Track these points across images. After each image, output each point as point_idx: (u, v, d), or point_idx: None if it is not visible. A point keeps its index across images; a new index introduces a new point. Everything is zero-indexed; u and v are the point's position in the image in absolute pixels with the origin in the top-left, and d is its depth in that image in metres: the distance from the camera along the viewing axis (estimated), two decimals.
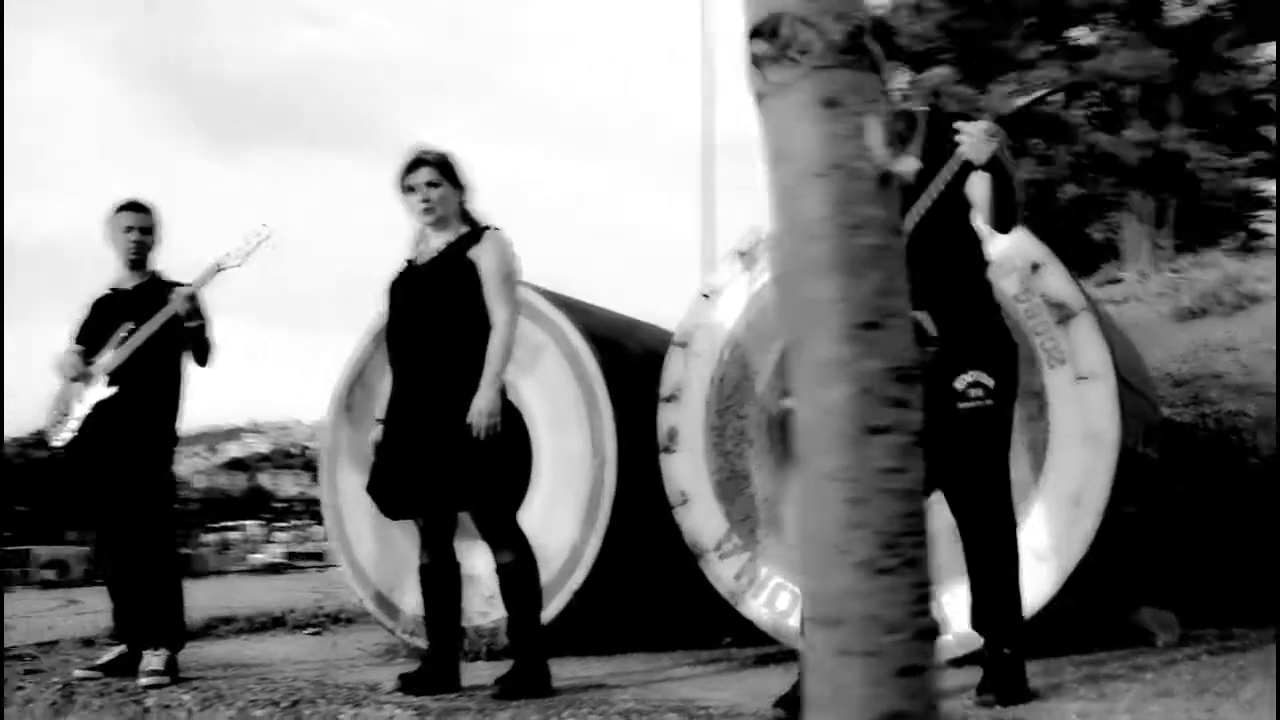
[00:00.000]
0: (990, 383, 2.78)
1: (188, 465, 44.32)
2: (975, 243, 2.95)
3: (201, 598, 8.50)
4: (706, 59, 11.16)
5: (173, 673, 4.01)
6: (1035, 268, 3.53)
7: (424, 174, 3.56)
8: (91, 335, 4.32)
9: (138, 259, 4.33)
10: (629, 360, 4.68)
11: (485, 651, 4.48)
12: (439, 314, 3.51)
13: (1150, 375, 4.92)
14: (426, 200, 3.55)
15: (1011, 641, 2.85)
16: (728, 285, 4.20)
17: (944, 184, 2.73)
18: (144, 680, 3.92)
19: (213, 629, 6.16)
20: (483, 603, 4.62)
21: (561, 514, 4.45)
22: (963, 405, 2.76)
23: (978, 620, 2.89)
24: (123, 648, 4.25)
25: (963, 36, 13.10)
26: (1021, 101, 2.83)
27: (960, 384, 2.77)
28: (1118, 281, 10.54)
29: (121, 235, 4.33)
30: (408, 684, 3.42)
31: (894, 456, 1.25)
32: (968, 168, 2.77)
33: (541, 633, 3.53)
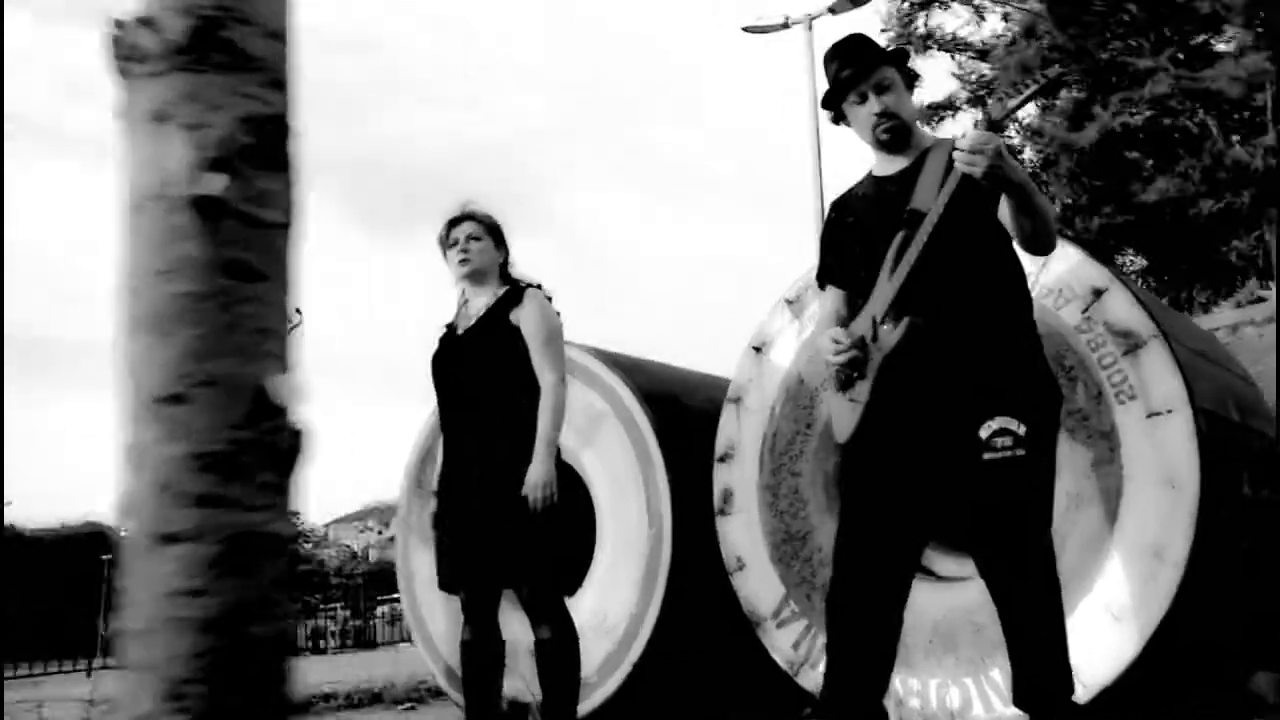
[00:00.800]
0: (1020, 430, 2.47)
1: (360, 539, 45.68)
2: (1010, 275, 2.66)
3: (334, 672, 8.61)
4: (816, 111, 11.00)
5: None
6: (1097, 294, 3.19)
7: (466, 228, 3.49)
8: None
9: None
10: (692, 419, 4.48)
11: None
12: (484, 381, 3.40)
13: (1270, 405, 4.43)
14: (465, 251, 3.46)
15: (1065, 714, 2.52)
16: (778, 335, 3.97)
17: (943, 207, 2.47)
18: None
19: (311, 705, 6.16)
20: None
21: (622, 584, 4.26)
22: (987, 455, 2.46)
23: (1021, 697, 2.56)
24: None
25: (1078, 55, 12.55)
26: (1014, 103, 2.54)
27: (985, 432, 2.47)
28: (1259, 301, 9.76)
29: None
30: None
31: (190, 575, 0.95)
32: (969, 185, 2.50)
33: (575, 714, 3.33)
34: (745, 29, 13.69)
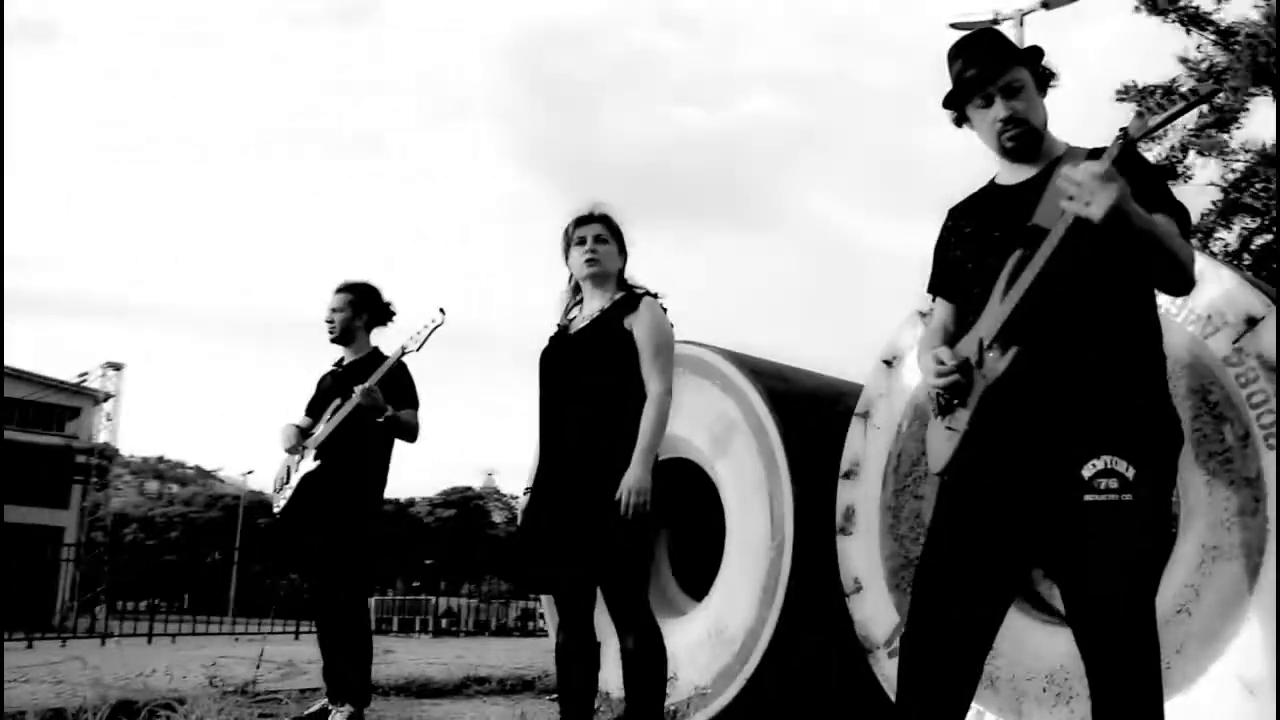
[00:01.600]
0: (1129, 473, 2.22)
1: None
2: (1136, 301, 2.38)
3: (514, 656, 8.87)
4: None
5: None
6: (1252, 323, 2.85)
7: (594, 228, 3.49)
8: (316, 410, 4.63)
9: (336, 337, 4.60)
10: (829, 430, 4.32)
11: None
12: (590, 383, 3.39)
13: None
14: (593, 253, 3.46)
15: None
16: (909, 350, 3.76)
17: (1051, 250, 2.24)
18: None
19: (465, 688, 6.36)
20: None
21: (742, 596, 4.17)
22: (1089, 497, 2.22)
23: None
24: (325, 701, 4.45)
25: None
26: (1155, 121, 2.26)
27: (1089, 471, 2.23)
28: None
29: (329, 313, 4.63)
30: None
31: None
32: (1083, 226, 2.27)
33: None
34: (952, 25, 13.07)
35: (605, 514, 3.16)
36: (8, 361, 33.96)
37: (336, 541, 4.38)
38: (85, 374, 33.48)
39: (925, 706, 2.38)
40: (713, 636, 4.25)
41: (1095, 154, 2.41)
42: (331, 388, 4.61)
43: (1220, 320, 2.89)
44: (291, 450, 4.60)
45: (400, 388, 4.54)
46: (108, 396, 33.23)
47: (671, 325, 3.47)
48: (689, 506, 4.90)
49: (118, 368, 33.24)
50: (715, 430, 4.45)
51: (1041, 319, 2.29)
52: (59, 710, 5.05)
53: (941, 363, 2.38)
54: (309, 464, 4.47)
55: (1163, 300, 2.97)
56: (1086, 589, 2.28)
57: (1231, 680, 2.73)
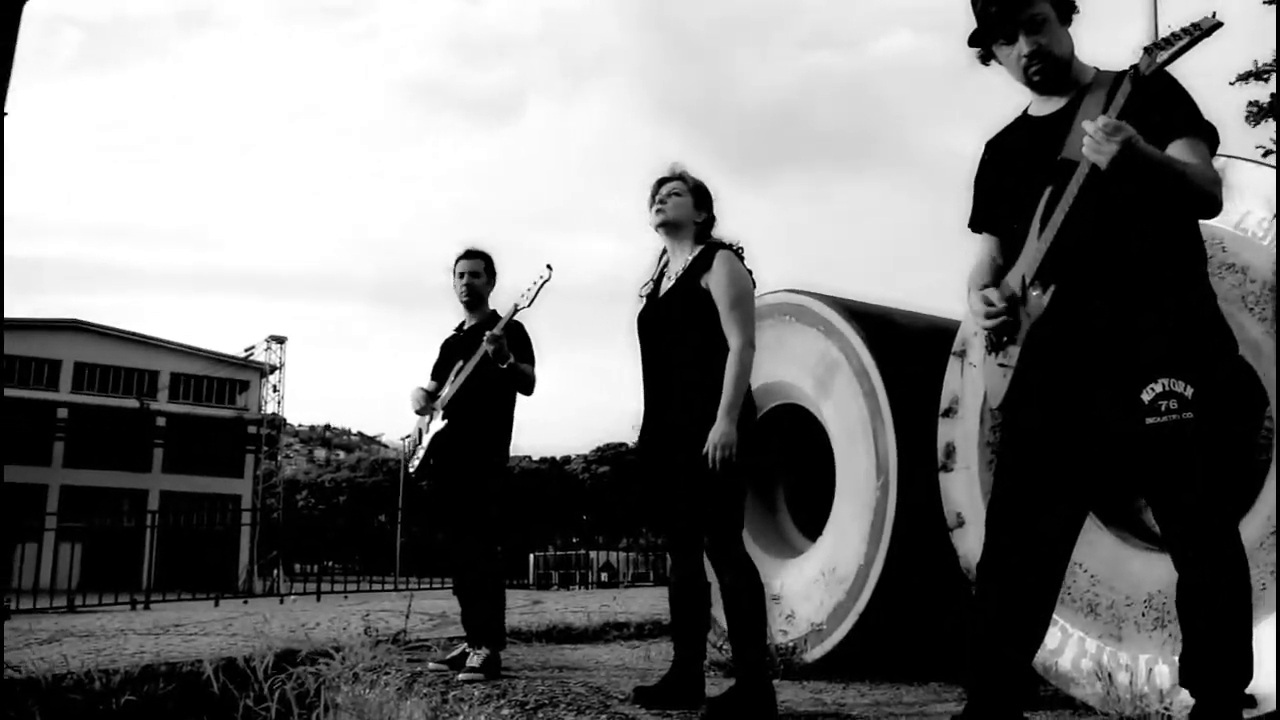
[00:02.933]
0: (1188, 392, 2.26)
1: None
2: (1175, 224, 2.41)
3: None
4: None
5: (490, 671, 4.44)
6: None
7: (671, 186, 3.63)
8: (441, 373, 4.93)
9: (469, 300, 4.85)
10: (931, 370, 4.38)
11: (783, 670, 4.44)
12: (678, 345, 3.55)
13: None
14: (663, 203, 3.60)
15: (1233, 703, 2.31)
16: None
17: (1075, 191, 2.29)
18: (462, 676, 4.39)
19: (604, 634, 6.66)
20: (783, 621, 4.59)
21: (851, 535, 4.29)
22: (1151, 420, 2.28)
23: (1188, 677, 2.37)
24: (464, 646, 4.77)
25: None
26: (1165, 57, 2.26)
27: (1148, 395, 2.29)
28: None
29: (456, 280, 4.90)
30: (643, 697, 3.50)
31: None
32: (1098, 170, 2.31)
33: (764, 657, 3.43)
34: None
35: (698, 469, 3.33)
36: (180, 339, 36.12)
37: (467, 494, 4.68)
38: (251, 348, 35.37)
39: (1002, 632, 2.48)
40: (825, 575, 4.39)
41: (1121, 78, 2.43)
42: (455, 350, 4.88)
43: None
44: (421, 412, 4.92)
45: (519, 343, 4.79)
46: (274, 369, 35.04)
47: (751, 275, 3.58)
48: (809, 450, 5.02)
49: (281, 340, 34.97)
50: (819, 374, 4.56)
51: (1079, 254, 2.35)
52: (231, 659, 5.56)
53: (990, 304, 2.46)
54: (438, 423, 4.77)
55: (1248, 223, 2.96)
56: (1166, 510, 2.34)
57: None
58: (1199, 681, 2.35)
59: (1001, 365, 2.50)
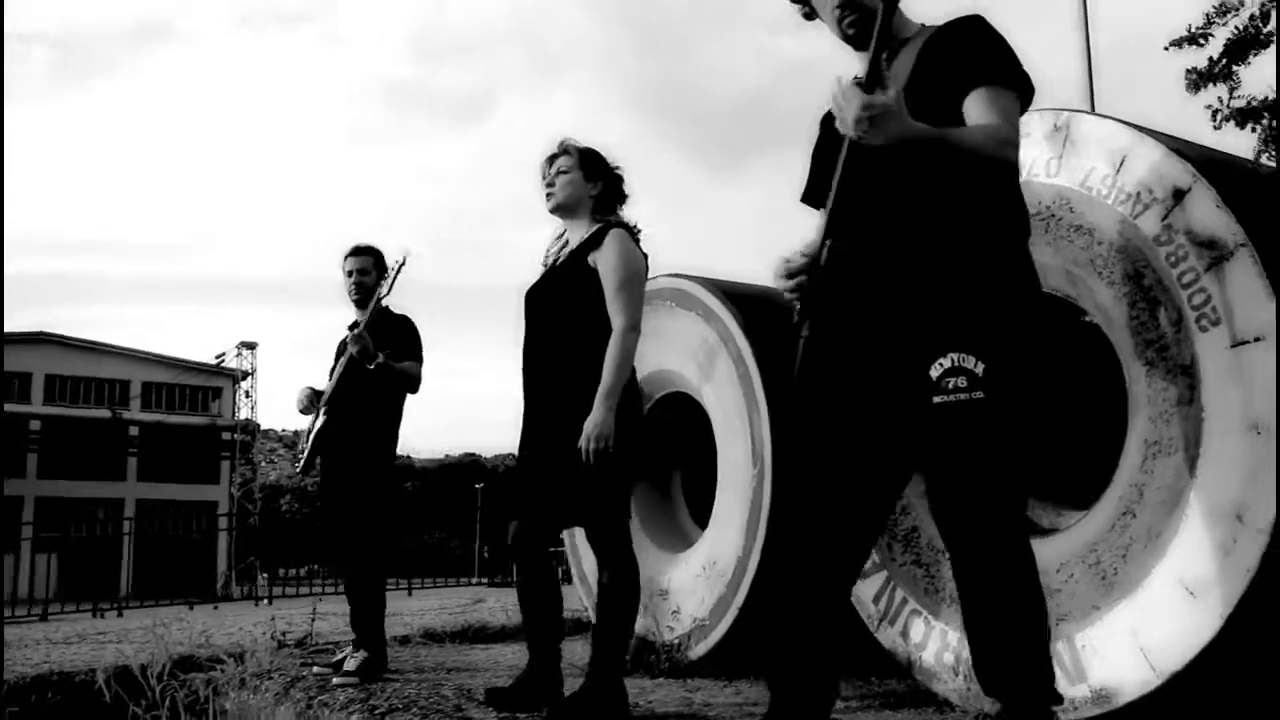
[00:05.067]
0: (979, 369, 2.06)
1: None
2: (981, 189, 2.19)
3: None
4: None
5: (366, 674, 4.24)
6: (1179, 196, 2.60)
7: (559, 162, 3.42)
8: (333, 371, 4.74)
9: (359, 298, 4.65)
10: None
11: (667, 668, 4.25)
12: (559, 324, 3.34)
13: None
14: (551, 185, 3.40)
15: (1042, 702, 2.13)
16: None
17: (841, 164, 2.10)
18: (336, 680, 4.20)
19: (519, 634, 6.45)
20: (670, 617, 4.40)
21: (730, 527, 4.09)
22: (938, 399, 2.07)
23: (991, 685, 2.18)
24: (350, 649, 4.58)
25: None
26: None
27: (935, 371, 2.08)
28: None
29: (345, 278, 4.70)
30: (495, 699, 3.31)
31: None
32: (921, 87, 2.11)
33: (621, 658, 3.24)
34: None
35: (572, 459, 3.12)
36: (151, 348, 35.84)
37: (350, 493, 4.49)
38: (222, 354, 35.05)
39: (809, 620, 2.27)
40: (707, 569, 4.20)
41: (956, 27, 2.23)
42: (342, 348, 4.70)
43: (1149, 197, 2.65)
44: (305, 411, 4.73)
45: (402, 339, 4.60)
46: (245, 375, 34.73)
47: (645, 257, 3.37)
48: (702, 439, 4.82)
49: (252, 346, 34.66)
50: (700, 360, 4.36)
51: (863, 212, 2.15)
52: (126, 667, 5.37)
53: (788, 262, 2.25)
54: (319, 421, 4.58)
55: (1093, 181, 2.77)
56: (948, 496, 2.15)
57: (1174, 584, 2.53)
58: (1002, 691, 2.16)
59: (801, 336, 2.29)
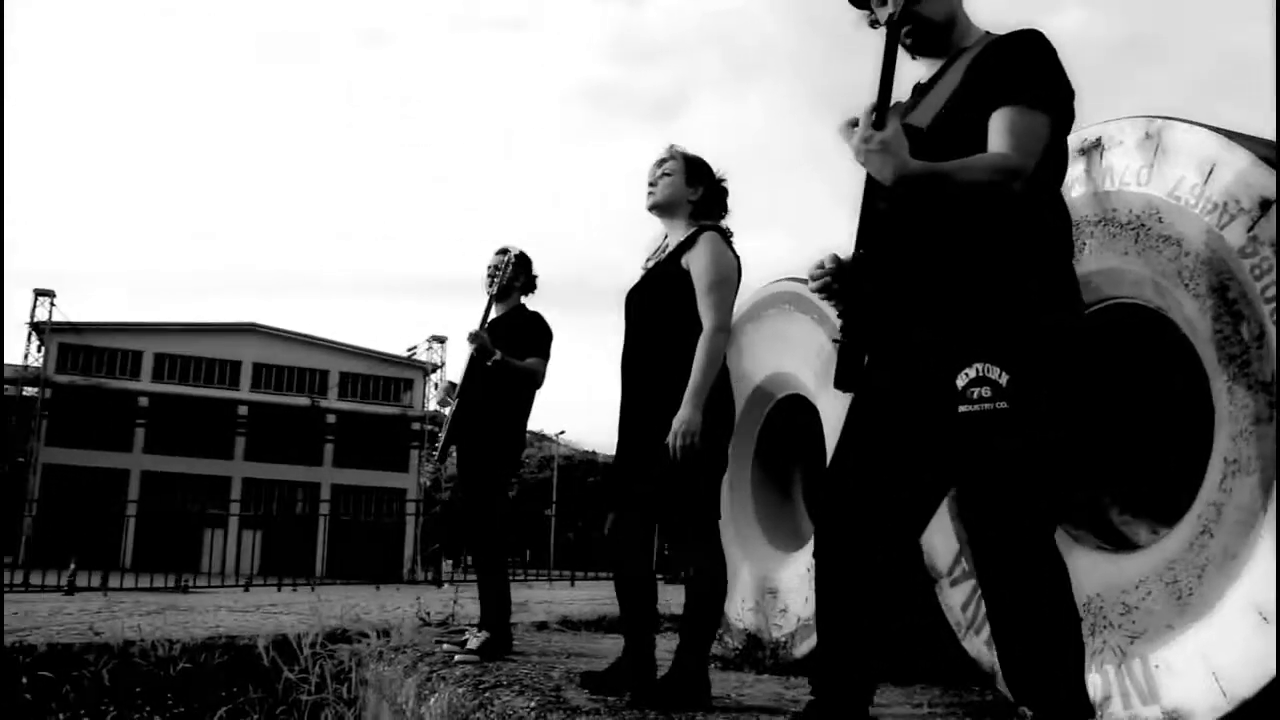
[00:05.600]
0: (1002, 379, 2.07)
1: None
2: (1001, 210, 2.19)
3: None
4: None
5: (487, 653, 4.48)
6: (1265, 207, 2.51)
7: (666, 165, 3.56)
8: None
9: (493, 293, 4.90)
10: None
11: (771, 664, 4.32)
12: (653, 325, 3.49)
13: None
14: (652, 185, 3.55)
15: (1072, 714, 2.12)
16: None
17: (865, 184, 2.14)
18: (458, 656, 4.46)
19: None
20: (778, 615, 4.46)
21: None
22: (963, 408, 2.10)
23: (1018, 686, 2.18)
24: (475, 628, 4.83)
25: None
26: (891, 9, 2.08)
27: (961, 381, 2.10)
28: None
29: (490, 269, 4.95)
30: (589, 682, 3.46)
31: None
32: (960, 98, 2.14)
33: (707, 647, 3.34)
34: None
35: (661, 456, 3.25)
36: (349, 340, 37.88)
37: (476, 478, 4.75)
38: (414, 348, 36.76)
39: (840, 623, 2.32)
40: (810, 570, 4.23)
41: (1005, 41, 2.24)
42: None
43: (1235, 207, 2.57)
44: (442, 403, 5.06)
45: (526, 334, 4.82)
46: (435, 368, 36.32)
47: (737, 259, 3.47)
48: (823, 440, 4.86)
49: (442, 340, 36.22)
50: (815, 365, 4.40)
51: (889, 228, 2.18)
52: (284, 636, 5.84)
53: (821, 267, 2.31)
54: (452, 409, 4.87)
55: (1181, 190, 2.72)
56: (971, 503, 2.17)
57: (1247, 609, 2.46)
58: (1031, 700, 2.16)
59: (834, 340, 2.35)
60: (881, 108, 2.06)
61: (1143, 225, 2.83)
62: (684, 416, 3.19)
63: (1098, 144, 3.02)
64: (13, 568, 15.93)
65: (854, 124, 2.08)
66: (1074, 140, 3.08)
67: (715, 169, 3.62)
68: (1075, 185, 3.07)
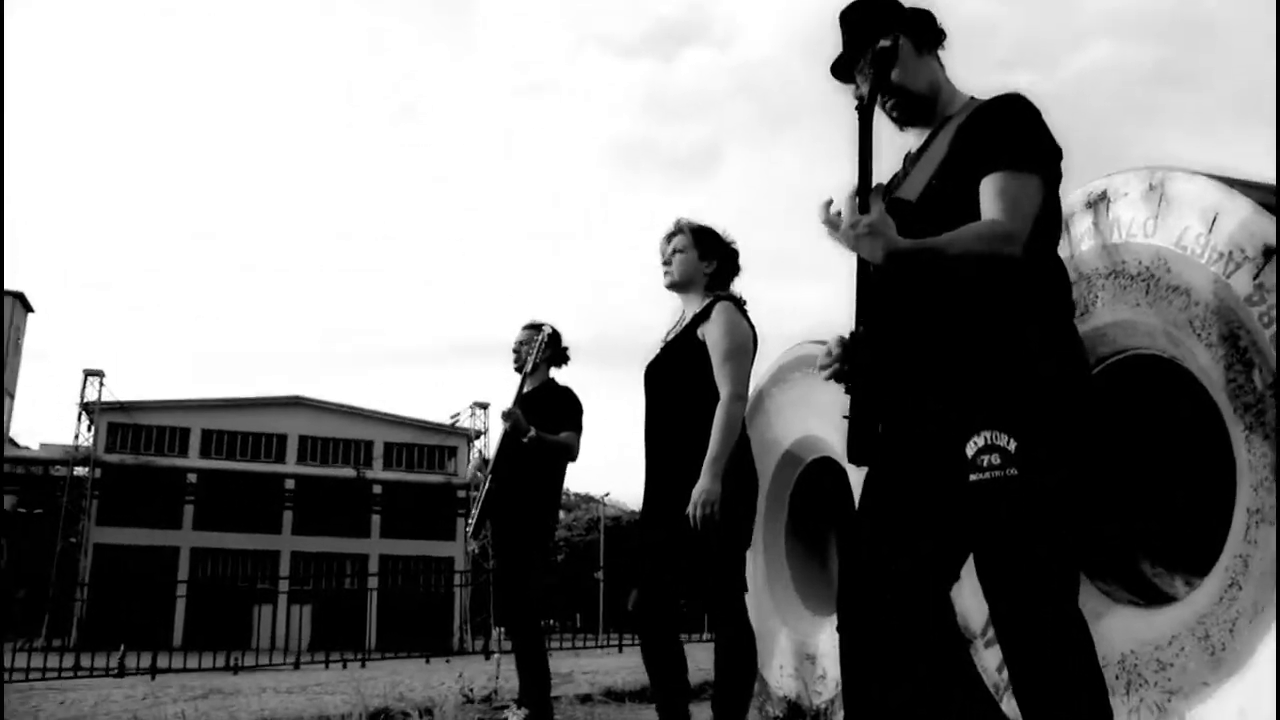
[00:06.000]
0: (1010, 446, 2.06)
1: None
2: (998, 277, 2.19)
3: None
4: None
5: None
6: (1269, 254, 2.50)
7: (675, 241, 3.62)
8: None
9: (518, 366, 4.94)
10: None
11: None
12: (671, 396, 3.52)
13: None
14: (668, 264, 3.60)
15: None
16: None
17: (858, 260, 2.16)
18: None
19: (701, 692, 6.55)
20: (816, 682, 4.41)
21: None
22: (974, 477, 2.09)
23: None
24: (513, 704, 4.82)
25: None
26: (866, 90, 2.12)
27: (970, 449, 2.09)
28: None
29: (515, 344, 4.99)
30: None
31: None
32: (951, 164, 2.17)
33: (743, 714, 3.32)
34: None
35: (682, 528, 3.25)
36: (393, 410, 38.16)
37: (510, 554, 4.76)
38: (456, 415, 36.96)
39: (863, 689, 2.29)
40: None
41: (989, 107, 2.26)
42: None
43: (1240, 255, 2.55)
44: (472, 479, 5.10)
45: (558, 409, 4.85)
46: (479, 434, 36.47)
47: (751, 328, 3.50)
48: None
49: (484, 406, 36.39)
50: (842, 428, 4.38)
51: (891, 294, 2.19)
52: (326, 717, 5.83)
53: (829, 352, 2.32)
54: (486, 486, 4.89)
55: (1187, 240, 2.71)
56: (989, 581, 2.15)
57: (1274, 660, 2.41)
58: None
59: (845, 416, 2.35)
60: (863, 190, 2.08)
61: (1152, 276, 2.82)
62: (703, 486, 3.20)
63: (1103, 196, 3.03)
64: (63, 650, 16.02)
65: (829, 205, 2.09)
66: (1080, 194, 3.10)
67: (723, 233, 3.67)
68: (1084, 239, 3.07)
